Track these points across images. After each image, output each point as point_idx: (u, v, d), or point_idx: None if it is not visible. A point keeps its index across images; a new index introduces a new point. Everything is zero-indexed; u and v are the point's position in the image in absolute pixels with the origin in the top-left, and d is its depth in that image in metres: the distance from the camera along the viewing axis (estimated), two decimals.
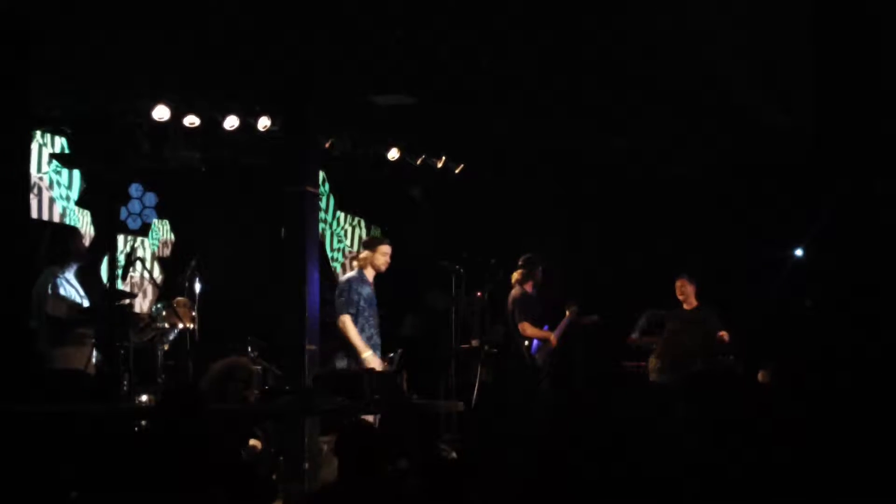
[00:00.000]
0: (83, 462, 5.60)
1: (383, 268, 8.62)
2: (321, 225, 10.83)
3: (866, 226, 5.97)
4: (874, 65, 5.97)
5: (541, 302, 9.96)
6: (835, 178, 6.12)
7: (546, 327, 9.92)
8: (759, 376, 7.91)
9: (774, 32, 8.12)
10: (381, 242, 8.65)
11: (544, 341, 9.82)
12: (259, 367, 8.49)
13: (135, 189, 10.14)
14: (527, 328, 9.69)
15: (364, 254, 8.70)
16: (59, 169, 9.45)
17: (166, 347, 7.87)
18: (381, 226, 11.97)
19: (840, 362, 5.90)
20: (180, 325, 7.95)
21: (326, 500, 4.66)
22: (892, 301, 5.84)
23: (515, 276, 9.87)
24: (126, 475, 4.57)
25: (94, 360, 7.30)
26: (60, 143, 9.46)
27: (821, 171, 6.29)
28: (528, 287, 9.84)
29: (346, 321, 8.39)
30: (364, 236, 12.13)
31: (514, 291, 9.82)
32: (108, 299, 7.44)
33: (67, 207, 9.50)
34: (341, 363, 8.46)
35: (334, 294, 8.54)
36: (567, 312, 10.03)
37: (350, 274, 8.60)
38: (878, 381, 5.65)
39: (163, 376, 7.68)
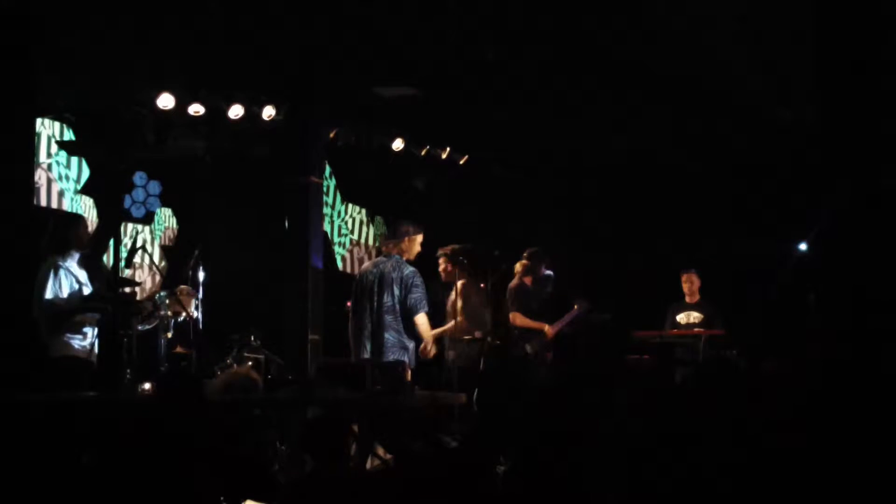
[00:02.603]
0: (85, 450, 5.61)
1: (414, 256, 8.41)
2: (326, 215, 10.84)
3: (870, 220, 5.96)
4: (876, 59, 5.95)
5: (538, 297, 9.91)
6: (838, 172, 6.11)
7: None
8: (770, 368, 7.92)
9: (776, 26, 8.12)
10: (418, 231, 8.40)
11: (538, 332, 9.79)
12: (262, 357, 8.50)
13: (139, 178, 10.14)
14: (517, 318, 9.70)
15: (404, 242, 8.33)
16: (63, 157, 9.46)
17: (169, 336, 7.89)
18: (386, 216, 11.98)
19: (844, 357, 5.90)
20: (183, 314, 7.98)
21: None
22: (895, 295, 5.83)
23: (518, 267, 9.87)
24: (124, 464, 4.58)
25: (95, 348, 7.32)
26: (65, 131, 9.46)
27: (824, 165, 6.28)
28: (528, 280, 9.86)
29: (426, 320, 8.16)
30: (368, 227, 12.14)
31: (514, 282, 9.84)
32: (111, 287, 7.45)
33: (72, 196, 9.50)
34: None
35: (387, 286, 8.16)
36: (575, 306, 9.97)
37: (410, 266, 8.25)
38: (881, 376, 5.65)
39: (165, 365, 7.70)
